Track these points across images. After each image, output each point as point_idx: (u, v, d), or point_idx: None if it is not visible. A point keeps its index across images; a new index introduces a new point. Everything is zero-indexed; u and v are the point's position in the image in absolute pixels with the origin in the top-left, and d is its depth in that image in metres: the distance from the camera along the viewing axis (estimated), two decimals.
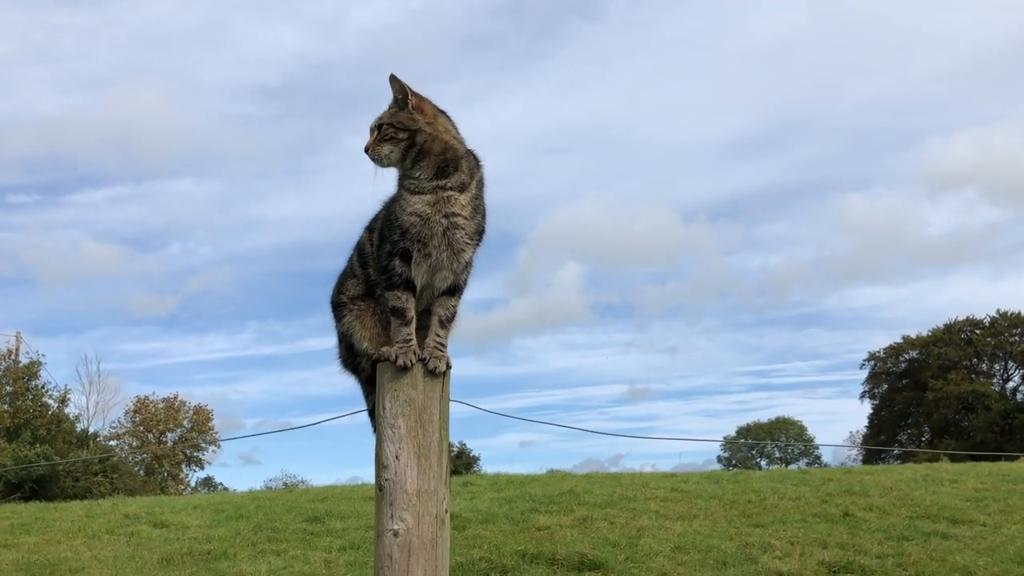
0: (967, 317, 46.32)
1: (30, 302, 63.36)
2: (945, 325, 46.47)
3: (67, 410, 31.59)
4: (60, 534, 9.88)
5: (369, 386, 2.79)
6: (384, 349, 2.58)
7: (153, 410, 39.50)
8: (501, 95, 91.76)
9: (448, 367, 2.60)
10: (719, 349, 77.29)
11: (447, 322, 2.67)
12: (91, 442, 31.70)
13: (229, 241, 74.61)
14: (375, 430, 2.87)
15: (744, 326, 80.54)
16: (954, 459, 18.65)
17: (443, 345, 2.63)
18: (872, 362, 49.24)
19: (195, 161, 77.62)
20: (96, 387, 38.54)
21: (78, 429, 32.33)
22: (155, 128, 70.66)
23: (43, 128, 67.06)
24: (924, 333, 47.03)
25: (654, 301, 74.03)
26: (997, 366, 45.99)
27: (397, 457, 2.44)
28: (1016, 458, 16.75)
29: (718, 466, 47.95)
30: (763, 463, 57.34)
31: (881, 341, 63.60)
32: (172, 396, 40.37)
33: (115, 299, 67.37)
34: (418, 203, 2.59)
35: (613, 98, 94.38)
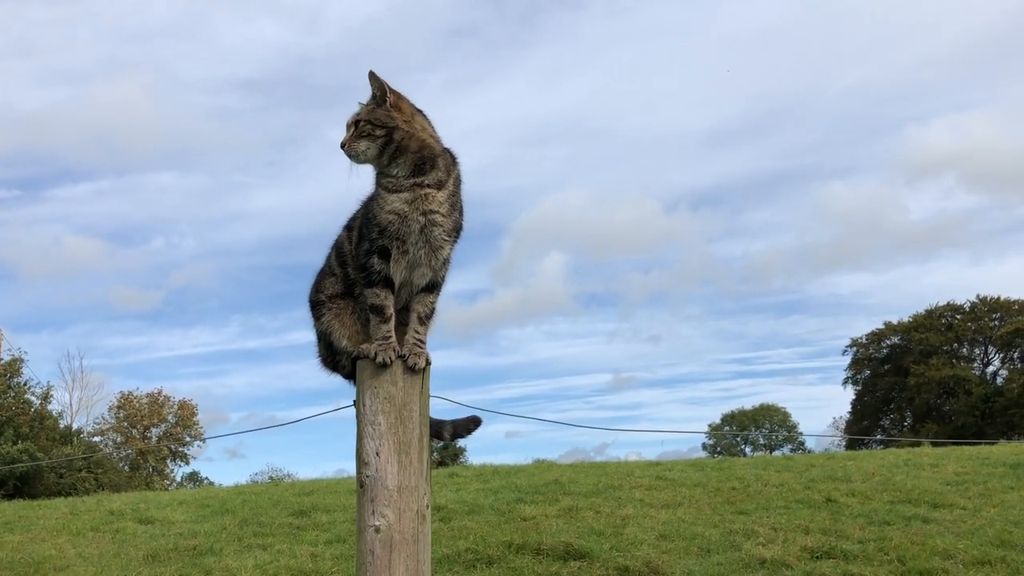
0: (948, 302, 46.84)
1: (12, 298, 62.92)
2: (926, 311, 46.93)
3: (50, 407, 31.44)
4: (44, 532, 9.83)
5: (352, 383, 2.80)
6: (364, 346, 2.60)
7: (137, 405, 39.34)
8: (483, 85, 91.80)
9: (428, 363, 2.62)
10: (703, 337, 77.83)
11: (426, 319, 2.69)
12: (75, 439, 31.52)
13: (212, 234, 74.44)
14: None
15: (727, 313, 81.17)
16: (935, 443, 18.82)
17: (422, 342, 2.65)
18: (854, 348, 49.67)
19: (176, 155, 77.29)
20: (79, 383, 38.46)
21: (61, 425, 32.16)
22: (135, 122, 70.28)
23: (22, 123, 66.54)
24: (905, 319, 47.50)
25: (638, 290, 74.49)
26: (977, 351, 46.51)
27: (378, 454, 2.46)
28: (996, 442, 16.94)
29: (703, 453, 48.22)
30: (748, 450, 57.76)
31: (863, 327, 64.24)
32: (156, 391, 40.25)
33: (98, 294, 67.18)
34: (396, 201, 2.60)
35: (595, 88, 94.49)
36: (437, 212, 2.62)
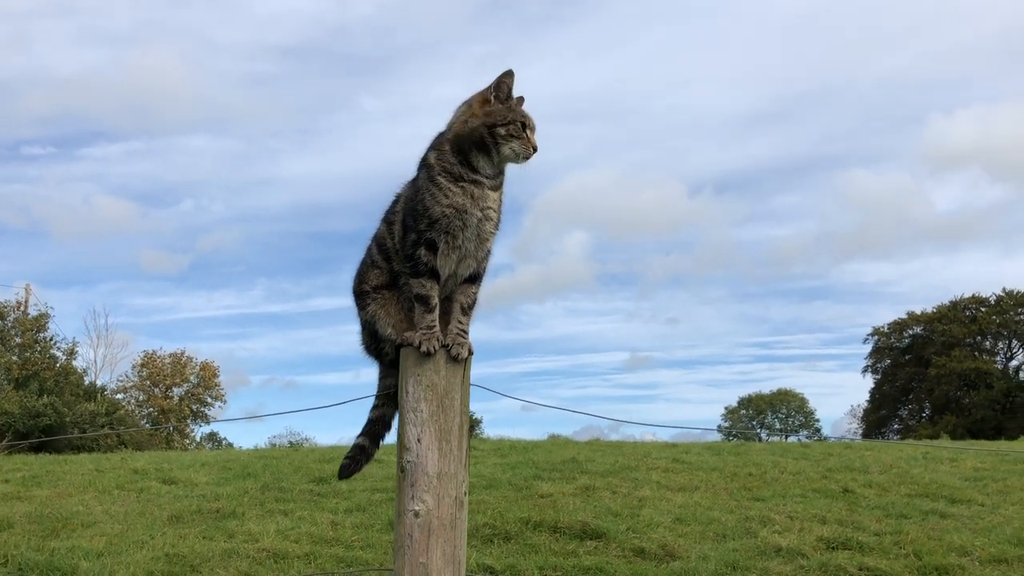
0: (973, 295, 46.34)
1: (42, 254, 63.71)
2: (950, 302, 46.47)
3: (75, 363, 31.86)
4: (71, 487, 10.04)
5: (390, 370, 2.85)
6: (408, 335, 2.65)
7: (160, 365, 39.79)
8: (516, 59, 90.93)
9: (470, 353, 2.66)
10: (723, 320, 77.62)
11: (469, 309, 2.73)
12: (99, 395, 31.97)
13: (242, 199, 74.72)
14: (375, 406, 2.95)
15: (749, 297, 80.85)
16: (954, 436, 18.76)
17: (465, 332, 2.69)
18: (876, 337, 49.36)
19: (210, 119, 77.48)
20: (104, 341, 38.94)
21: (86, 382, 32.61)
22: (171, 85, 70.27)
23: (59, 82, 66.77)
24: (929, 309, 47.08)
25: (658, 271, 74.22)
26: (1001, 344, 46.08)
27: (419, 440, 2.52)
28: (1016, 438, 16.86)
29: (718, 436, 48.19)
30: (763, 434, 57.73)
31: (886, 316, 63.76)
32: (179, 351, 40.67)
33: (126, 254, 67.64)
34: (458, 195, 2.62)
35: (629, 66, 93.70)
36: (491, 208, 2.68)
